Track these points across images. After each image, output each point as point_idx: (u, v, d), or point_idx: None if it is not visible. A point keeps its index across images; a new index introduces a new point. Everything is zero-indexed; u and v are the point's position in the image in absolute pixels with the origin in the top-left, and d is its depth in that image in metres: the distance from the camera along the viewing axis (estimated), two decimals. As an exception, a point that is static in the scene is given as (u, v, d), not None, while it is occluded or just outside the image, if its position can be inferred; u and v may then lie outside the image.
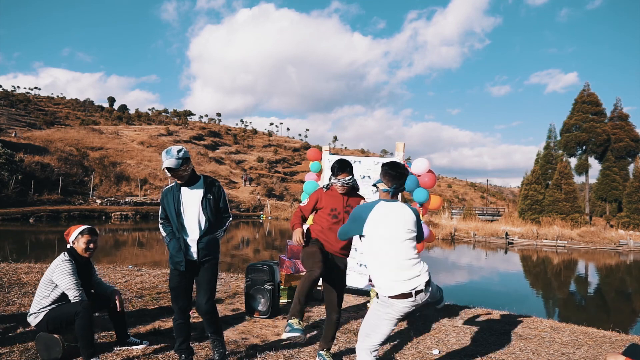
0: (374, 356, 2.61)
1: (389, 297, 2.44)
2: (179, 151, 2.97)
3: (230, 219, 3.27)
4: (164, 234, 3.15)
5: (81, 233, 3.35)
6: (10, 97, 73.39)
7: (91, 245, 3.38)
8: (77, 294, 3.19)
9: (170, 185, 3.18)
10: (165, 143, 61.63)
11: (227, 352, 3.33)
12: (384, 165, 2.75)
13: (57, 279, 3.20)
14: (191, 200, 3.06)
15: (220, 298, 5.61)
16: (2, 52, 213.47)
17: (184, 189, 3.08)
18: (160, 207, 3.20)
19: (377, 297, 2.57)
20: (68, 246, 3.40)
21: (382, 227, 2.52)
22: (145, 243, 19.10)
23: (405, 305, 2.44)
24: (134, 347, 3.52)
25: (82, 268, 3.36)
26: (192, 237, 3.07)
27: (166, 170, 2.94)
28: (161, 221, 3.20)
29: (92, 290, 3.55)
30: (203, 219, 3.07)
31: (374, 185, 2.76)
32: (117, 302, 3.47)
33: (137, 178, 41.09)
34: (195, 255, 3.05)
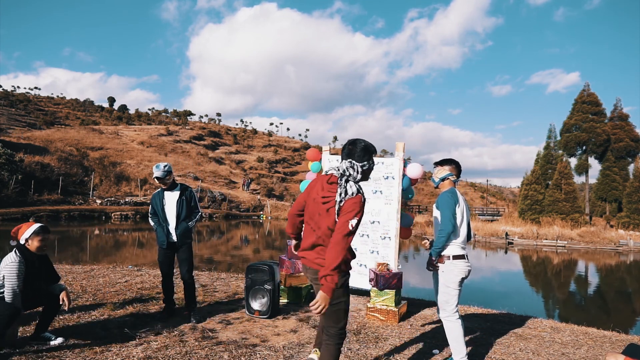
0: (457, 317, 3.29)
1: (455, 257, 3.27)
2: (165, 166, 4.36)
3: (200, 213, 4.62)
4: (152, 223, 4.48)
5: (35, 233, 3.43)
6: (10, 97, 73.37)
7: (45, 244, 3.51)
8: (11, 299, 3.23)
9: (157, 190, 4.54)
10: (165, 143, 61.64)
11: (201, 320, 4.44)
12: (453, 160, 3.52)
13: (6, 277, 3.25)
14: (170, 201, 4.44)
15: (220, 298, 5.62)
16: (2, 51, 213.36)
17: (166, 193, 4.47)
18: (150, 205, 4.53)
19: (442, 267, 3.31)
20: (13, 242, 3.44)
21: (465, 209, 3.35)
22: (145, 243, 19.10)
23: (464, 265, 3.29)
24: (51, 343, 3.50)
25: (32, 264, 3.42)
26: (172, 225, 4.42)
27: (156, 179, 4.35)
28: (150, 215, 4.54)
29: (44, 284, 3.61)
30: (178, 214, 4.41)
31: (444, 178, 3.47)
32: (65, 299, 3.50)
33: (137, 178, 41.09)
34: (175, 238, 4.41)
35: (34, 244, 3.42)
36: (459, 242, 3.30)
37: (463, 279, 3.31)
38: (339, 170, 2.53)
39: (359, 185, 2.51)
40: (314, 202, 2.56)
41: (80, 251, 15.60)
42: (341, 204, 2.41)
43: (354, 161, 2.50)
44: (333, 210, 2.44)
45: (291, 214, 2.76)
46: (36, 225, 3.49)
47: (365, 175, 2.55)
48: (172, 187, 4.46)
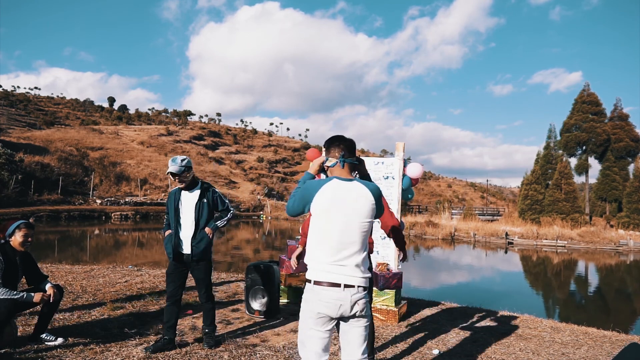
0: None
1: (316, 282, 2.10)
2: (182, 160, 3.52)
3: (232, 211, 3.78)
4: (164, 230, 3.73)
5: (18, 227, 3.41)
6: (10, 97, 73.38)
7: (29, 239, 3.45)
8: None
9: (175, 188, 3.73)
10: (165, 143, 61.66)
11: (215, 346, 3.69)
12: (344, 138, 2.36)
13: None
14: (188, 203, 3.60)
15: (220, 298, 5.61)
16: (3, 50, 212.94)
17: (183, 192, 3.64)
18: (166, 207, 3.79)
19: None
20: (1, 241, 3.43)
21: (338, 208, 2.13)
22: (145, 243, 19.11)
23: (327, 295, 2.03)
24: (50, 343, 3.49)
25: (11, 260, 3.39)
26: (186, 233, 3.57)
27: (170, 175, 3.51)
28: (166, 217, 3.77)
29: (24, 280, 3.60)
30: (196, 220, 3.57)
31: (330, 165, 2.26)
32: (51, 293, 3.46)
33: (137, 178, 41.11)
34: (187, 250, 3.56)
35: (17, 240, 3.39)
36: (323, 261, 2.04)
37: (327, 317, 2.02)
38: None
39: None
40: None
41: (80, 251, 15.61)
42: None
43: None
44: None
45: None
46: (19, 221, 3.48)
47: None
48: (191, 186, 3.64)
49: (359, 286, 2.03)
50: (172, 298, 3.58)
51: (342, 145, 2.24)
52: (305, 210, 2.15)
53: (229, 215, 3.72)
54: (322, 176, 2.41)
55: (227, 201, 3.77)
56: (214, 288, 6.24)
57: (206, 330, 3.72)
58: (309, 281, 2.08)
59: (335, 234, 2.04)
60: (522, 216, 31.38)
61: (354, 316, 2.05)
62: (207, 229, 3.56)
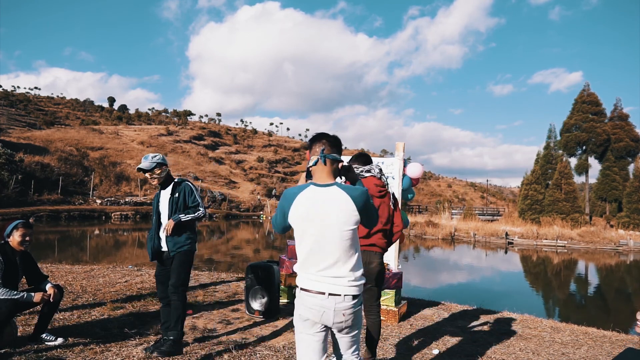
0: None
1: (302, 289, 2.07)
2: (154, 156, 3.52)
3: (201, 210, 3.57)
4: None
5: (15, 227, 3.42)
6: (10, 97, 73.35)
7: (27, 239, 3.45)
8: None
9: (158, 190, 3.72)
10: (165, 143, 61.67)
11: (165, 351, 3.33)
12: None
13: None
14: (164, 200, 3.59)
15: (220, 298, 5.61)
16: (3, 50, 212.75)
17: (161, 192, 3.64)
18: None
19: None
20: (1, 241, 3.45)
21: (312, 217, 2.05)
22: (145, 243, 19.11)
23: (311, 302, 1.98)
24: (50, 343, 3.49)
25: (10, 260, 3.39)
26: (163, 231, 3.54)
27: (141, 172, 3.47)
28: None
29: (24, 281, 3.61)
30: (169, 215, 3.50)
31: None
32: (51, 293, 3.46)
33: (137, 178, 41.07)
34: (165, 247, 3.52)
35: (15, 240, 3.39)
36: (309, 270, 1.98)
37: (312, 321, 1.96)
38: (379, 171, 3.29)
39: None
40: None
41: (80, 251, 15.61)
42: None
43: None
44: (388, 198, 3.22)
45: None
46: (17, 221, 3.48)
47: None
48: (166, 183, 3.61)
49: (345, 295, 1.91)
50: (164, 299, 3.55)
51: (325, 140, 2.05)
52: (287, 223, 2.02)
53: (196, 214, 3.51)
54: None
55: (199, 200, 3.59)
56: (214, 288, 6.24)
57: (167, 334, 3.39)
58: (297, 287, 2.03)
59: (314, 244, 1.93)
60: (522, 216, 31.38)
61: (341, 330, 1.97)
62: (168, 221, 3.41)
